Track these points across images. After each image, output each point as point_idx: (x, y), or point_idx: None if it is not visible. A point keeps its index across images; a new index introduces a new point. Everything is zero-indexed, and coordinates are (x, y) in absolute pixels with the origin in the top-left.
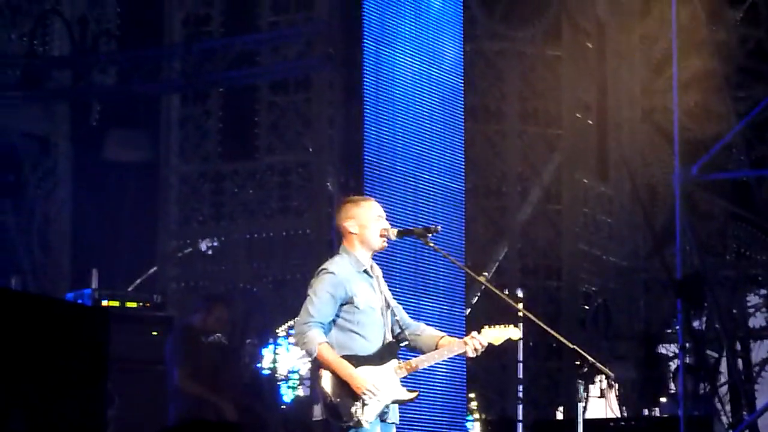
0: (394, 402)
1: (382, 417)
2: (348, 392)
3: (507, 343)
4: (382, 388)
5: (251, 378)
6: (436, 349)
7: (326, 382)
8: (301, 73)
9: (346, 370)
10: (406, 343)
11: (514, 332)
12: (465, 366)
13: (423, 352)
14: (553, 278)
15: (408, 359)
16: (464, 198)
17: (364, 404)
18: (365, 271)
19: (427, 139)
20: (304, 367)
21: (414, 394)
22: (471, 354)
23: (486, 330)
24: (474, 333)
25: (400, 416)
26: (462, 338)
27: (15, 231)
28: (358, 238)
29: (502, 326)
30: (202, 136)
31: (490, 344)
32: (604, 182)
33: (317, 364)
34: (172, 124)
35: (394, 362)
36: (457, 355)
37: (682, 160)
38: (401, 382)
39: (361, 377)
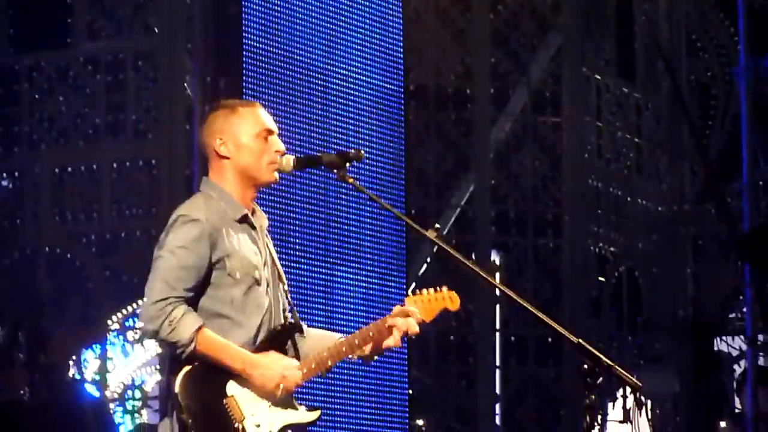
0: (285, 428)
1: None
2: (221, 422)
3: (444, 313)
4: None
5: (64, 408)
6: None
7: (189, 402)
8: None
9: (249, 357)
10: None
11: (451, 298)
12: (406, 371)
13: None
14: (547, 233)
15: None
16: (404, 107)
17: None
18: (245, 219)
19: (348, 11)
20: (151, 380)
21: (315, 415)
22: (396, 341)
23: (411, 302)
24: (397, 308)
25: None
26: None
27: None
28: (233, 165)
29: (432, 291)
30: None
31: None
32: (628, 80)
33: (174, 370)
34: None
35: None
36: (387, 354)
37: (752, 43)
38: (295, 395)
39: (274, 362)
